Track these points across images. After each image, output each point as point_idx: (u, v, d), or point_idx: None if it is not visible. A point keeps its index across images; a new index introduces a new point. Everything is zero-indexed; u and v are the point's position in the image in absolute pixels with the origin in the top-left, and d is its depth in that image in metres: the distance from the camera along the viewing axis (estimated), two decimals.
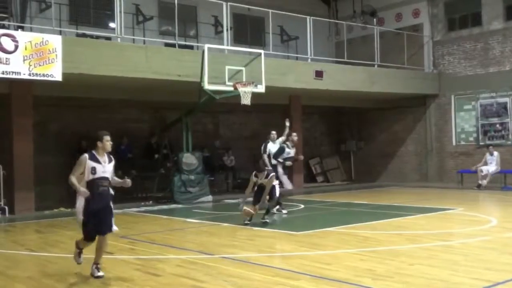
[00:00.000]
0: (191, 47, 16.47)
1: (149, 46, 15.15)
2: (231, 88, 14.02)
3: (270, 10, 16.69)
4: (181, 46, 15.24)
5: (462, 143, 19.73)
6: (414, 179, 20.68)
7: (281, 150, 12.63)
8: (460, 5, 19.90)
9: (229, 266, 6.82)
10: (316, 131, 22.59)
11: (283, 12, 17.16)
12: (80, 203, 6.25)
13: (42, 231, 10.64)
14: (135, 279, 6.26)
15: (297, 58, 18.49)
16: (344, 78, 17.63)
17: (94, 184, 6.22)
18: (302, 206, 13.21)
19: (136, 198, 15.78)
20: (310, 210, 12.76)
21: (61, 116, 16.20)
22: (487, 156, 17.39)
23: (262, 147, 12.91)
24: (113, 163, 6.48)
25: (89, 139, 15.90)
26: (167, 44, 15.99)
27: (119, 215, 12.80)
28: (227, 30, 15.54)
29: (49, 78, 12.03)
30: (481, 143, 18.97)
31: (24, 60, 11.70)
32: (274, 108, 18.86)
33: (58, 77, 12.11)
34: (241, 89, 13.97)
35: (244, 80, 14.21)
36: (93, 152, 6.35)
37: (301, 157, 13.16)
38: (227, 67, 14.08)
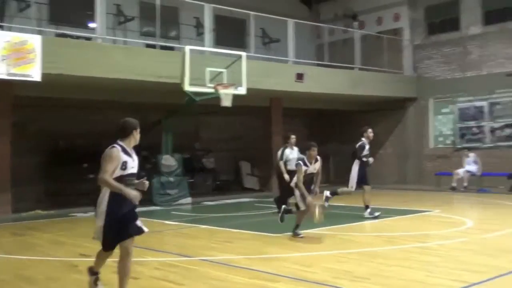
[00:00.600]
0: (172, 49, 16.42)
1: (130, 47, 15.08)
2: (212, 90, 14.02)
3: (252, 12, 16.72)
4: (162, 48, 15.19)
5: (440, 146, 19.97)
6: (392, 181, 20.84)
7: (362, 148, 11.61)
8: (439, 10, 20.14)
9: (208, 269, 6.82)
10: (297, 134, 22.62)
11: (265, 14, 17.19)
12: (104, 205, 5.15)
13: (18, 233, 10.51)
14: (114, 282, 6.22)
15: (278, 61, 18.54)
16: (325, 81, 17.71)
17: (122, 182, 5.12)
18: (282, 207, 13.22)
19: None
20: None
21: (40, 117, 16.04)
22: (465, 158, 17.69)
23: (279, 153, 12.24)
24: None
25: (68, 139, 15.96)
26: (148, 45, 15.92)
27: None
28: (208, 31, 15.52)
29: (28, 79, 11.89)
30: (458, 146, 19.23)
31: (2, 60, 11.55)
32: (255, 110, 18.89)
33: (37, 77, 11.98)
34: (222, 91, 13.97)
35: (225, 82, 14.22)
36: (121, 143, 5.27)
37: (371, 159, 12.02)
38: (208, 69, 14.08)
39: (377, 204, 14.24)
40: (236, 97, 14.26)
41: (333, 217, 12.05)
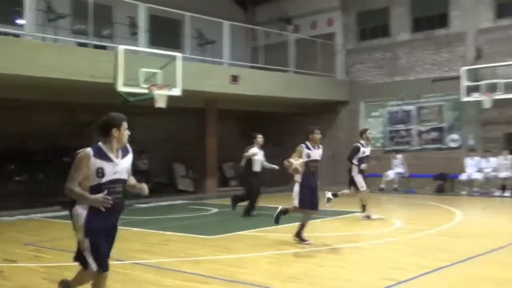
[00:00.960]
0: (105, 48, 16.08)
1: (61, 45, 14.63)
2: (146, 91, 13.84)
3: (187, 13, 16.62)
4: (95, 46, 14.85)
5: (370, 148, 20.53)
6: (325, 183, 21.18)
7: (355, 150, 11.40)
8: (371, 16, 20.74)
9: (141, 272, 6.73)
10: (231, 135, 22.72)
11: (200, 16, 17.14)
12: (81, 217, 4.42)
13: None
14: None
15: (213, 62, 18.53)
16: (260, 83, 17.86)
17: (101, 192, 4.37)
18: (216, 210, 13.23)
19: (43, 203, 15.14)
20: (223, 214, 12.82)
21: None
22: (393, 160, 18.35)
23: (246, 150, 12.16)
24: (130, 157, 4.64)
25: None
26: (80, 44, 15.52)
27: (24, 221, 12.29)
28: (143, 31, 15.31)
29: None
30: (387, 149, 19.88)
31: None
32: (190, 112, 18.79)
33: None
34: (156, 92, 13.81)
35: (159, 82, 14.07)
36: (100, 145, 4.48)
37: (373, 162, 11.97)
38: (142, 69, 13.87)
39: None
40: (170, 98, 14.14)
41: (266, 218, 12.17)
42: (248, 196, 12.34)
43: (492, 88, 17.04)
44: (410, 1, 19.62)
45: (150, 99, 13.91)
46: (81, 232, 4.41)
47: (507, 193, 16.37)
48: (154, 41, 17.56)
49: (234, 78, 16.93)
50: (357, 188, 11.52)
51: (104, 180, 4.38)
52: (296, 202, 8.47)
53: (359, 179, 11.47)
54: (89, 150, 4.39)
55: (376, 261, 7.30)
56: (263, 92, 18.00)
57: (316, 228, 10.48)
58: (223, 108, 19.16)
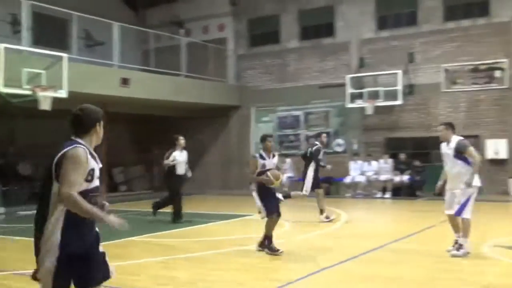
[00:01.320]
0: None
1: None
2: (29, 92, 13.17)
3: (75, 13, 16.02)
4: None
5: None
6: (217, 187, 21.38)
7: (317, 152, 11.81)
8: (261, 23, 21.20)
9: (22, 283, 6.37)
10: (121, 139, 22.19)
11: (89, 16, 16.59)
12: (57, 236, 3.43)
13: None
14: None
15: (102, 64, 17.98)
16: (151, 87, 17.61)
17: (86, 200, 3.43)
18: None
19: None
20: None
21: None
22: (283, 165, 18.85)
23: (166, 154, 11.60)
24: None
25: None
26: None
27: None
28: (26, 30, 14.56)
29: None
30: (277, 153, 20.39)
31: None
32: None
33: None
34: (40, 94, 13.20)
35: (44, 84, 13.45)
36: (83, 142, 3.53)
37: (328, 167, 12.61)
38: (25, 70, 13.20)
39: (201, 210, 14.52)
40: (56, 100, 13.56)
41: (158, 223, 12.03)
42: (171, 201, 12.02)
43: (374, 96, 18.06)
44: (298, 10, 20.30)
45: (33, 100, 13.26)
46: (51, 256, 3.41)
47: (387, 195, 17.42)
48: (39, 41, 16.76)
49: (124, 81, 16.55)
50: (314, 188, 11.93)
51: (92, 185, 3.48)
52: (264, 213, 8.13)
53: (308, 183, 11.88)
54: (83, 148, 3.45)
55: (264, 263, 7.46)
56: (154, 95, 17.76)
57: (207, 233, 10.54)
58: (112, 111, 18.53)
